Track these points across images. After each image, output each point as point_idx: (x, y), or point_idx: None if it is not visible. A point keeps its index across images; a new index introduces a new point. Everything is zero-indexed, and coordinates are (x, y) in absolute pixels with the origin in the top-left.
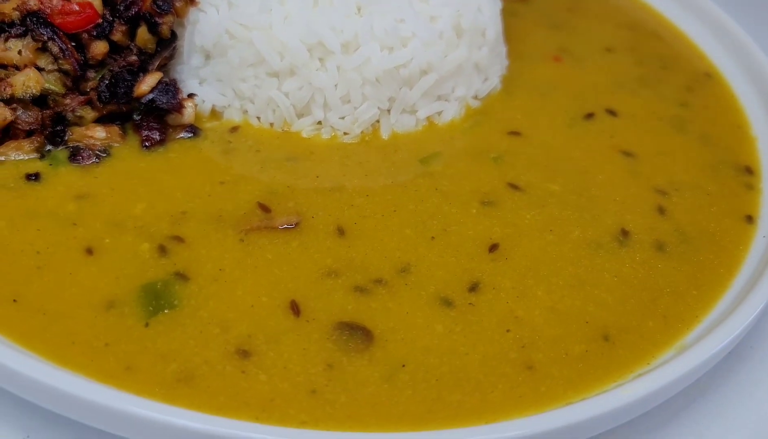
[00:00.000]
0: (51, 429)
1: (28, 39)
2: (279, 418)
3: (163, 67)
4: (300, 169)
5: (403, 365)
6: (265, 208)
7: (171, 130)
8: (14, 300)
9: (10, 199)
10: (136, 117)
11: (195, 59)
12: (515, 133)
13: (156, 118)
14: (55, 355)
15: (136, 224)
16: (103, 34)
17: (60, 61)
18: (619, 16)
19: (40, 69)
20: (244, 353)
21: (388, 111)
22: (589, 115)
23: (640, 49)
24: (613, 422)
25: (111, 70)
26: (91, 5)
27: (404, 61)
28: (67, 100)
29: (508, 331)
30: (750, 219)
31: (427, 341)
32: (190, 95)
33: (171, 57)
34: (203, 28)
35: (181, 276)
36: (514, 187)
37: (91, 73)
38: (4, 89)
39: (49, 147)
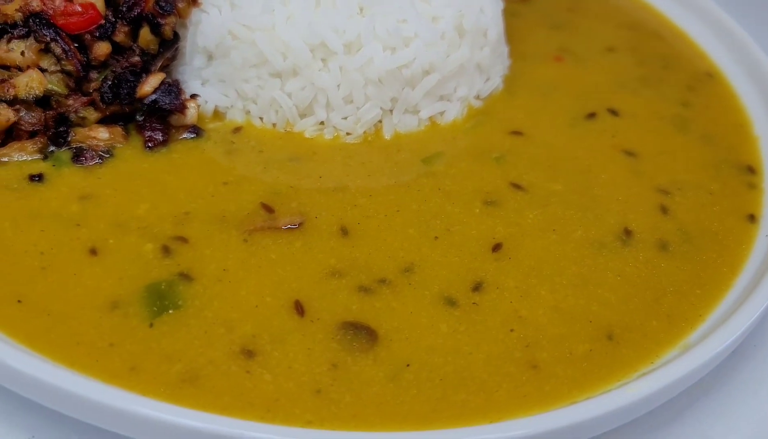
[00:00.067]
0: (56, 429)
1: (31, 40)
2: (284, 418)
3: (165, 68)
4: (303, 169)
5: (408, 365)
6: (268, 209)
7: (174, 130)
8: (18, 301)
9: (14, 200)
10: (138, 118)
11: (197, 60)
12: (517, 133)
13: (159, 119)
14: (59, 355)
15: (140, 224)
16: (105, 35)
17: (63, 62)
18: (620, 16)
19: (42, 70)
20: (248, 353)
21: (391, 111)
22: (591, 115)
23: (642, 48)
24: (618, 421)
25: (114, 71)
26: (93, 6)
27: (406, 62)
28: (70, 101)
29: (512, 330)
30: (752, 218)
31: (431, 340)
32: (193, 96)
33: (173, 58)
34: (206, 29)
35: (185, 276)
36: (516, 186)
37: (93, 74)
38: (8, 90)
39: (52, 148)
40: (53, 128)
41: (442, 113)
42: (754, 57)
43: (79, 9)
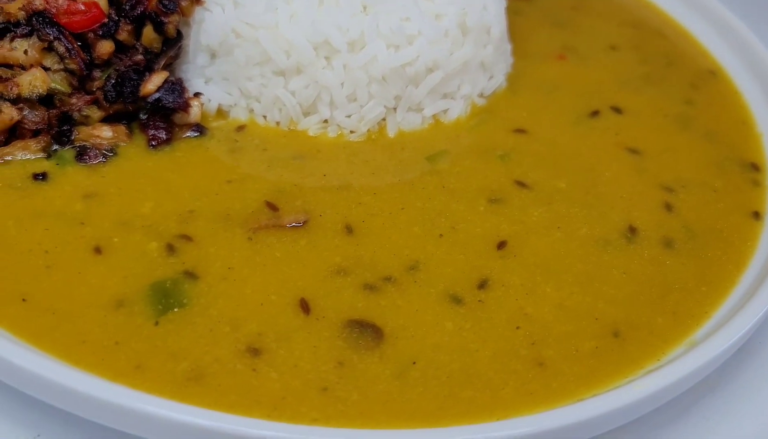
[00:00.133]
0: (61, 427)
1: (34, 39)
2: (290, 416)
3: (168, 67)
4: (307, 167)
5: (414, 363)
6: (272, 207)
7: (177, 129)
8: (23, 299)
9: (17, 198)
10: (142, 116)
11: (201, 58)
12: (521, 131)
13: (162, 118)
14: (65, 354)
15: (144, 223)
16: (108, 33)
17: (66, 61)
18: (623, 14)
19: (46, 69)
20: (254, 351)
21: (394, 109)
22: (595, 113)
23: (645, 47)
24: (625, 418)
25: (117, 70)
26: (96, 5)
27: (410, 60)
28: (74, 100)
29: (518, 328)
30: (757, 215)
31: (437, 338)
32: (197, 94)
33: (176, 56)
34: (209, 27)
35: (190, 275)
36: (521, 184)
37: (97, 73)
38: (11, 89)
39: (55, 147)
40: (56, 127)
41: (445, 111)
42: (757, 54)
43: (82, 7)
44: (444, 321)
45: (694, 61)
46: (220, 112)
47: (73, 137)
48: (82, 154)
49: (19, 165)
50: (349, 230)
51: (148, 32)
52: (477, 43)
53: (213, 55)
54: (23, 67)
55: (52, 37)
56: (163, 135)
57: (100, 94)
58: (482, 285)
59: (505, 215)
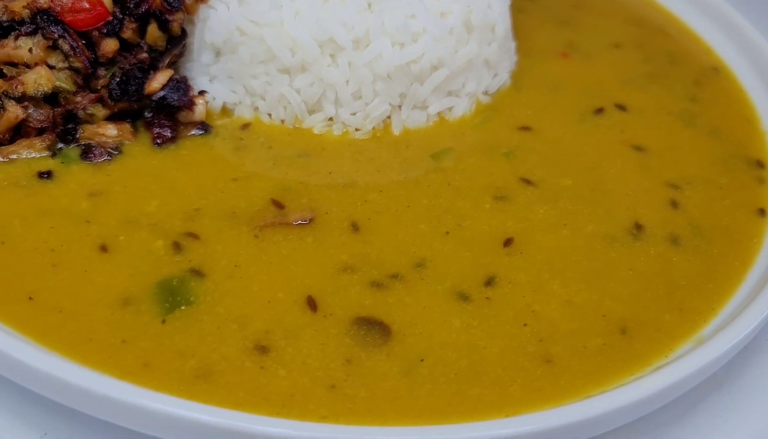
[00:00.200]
0: (68, 426)
1: (39, 37)
2: (299, 413)
3: (173, 65)
4: (312, 165)
5: (422, 360)
6: (278, 205)
7: (182, 127)
8: (30, 298)
9: (23, 197)
10: (147, 114)
11: (205, 56)
12: (526, 129)
13: (167, 116)
14: (72, 352)
15: (150, 221)
16: (113, 31)
17: (71, 59)
18: (625, 12)
19: (50, 67)
20: (262, 349)
21: (399, 107)
22: (599, 111)
23: (647, 44)
24: (633, 416)
25: (122, 68)
26: (101, 3)
27: (415, 57)
28: (78, 98)
29: (525, 325)
30: (762, 212)
31: (444, 335)
32: (201, 92)
33: (181, 54)
34: (213, 25)
35: (197, 273)
36: (526, 182)
37: (101, 71)
38: (16, 87)
39: (60, 145)
40: (61, 125)
41: (450, 109)
42: (761, 52)
43: (87, 5)
44: (451, 318)
45: (698, 59)
46: (225, 111)
47: (78, 136)
48: (87, 153)
49: (24, 163)
50: (355, 227)
51: (153, 30)
52: (482, 41)
53: (218, 53)
54: (28, 66)
55: (56, 36)
56: (168, 133)
57: (104, 93)
58: (489, 282)
59: (511, 213)
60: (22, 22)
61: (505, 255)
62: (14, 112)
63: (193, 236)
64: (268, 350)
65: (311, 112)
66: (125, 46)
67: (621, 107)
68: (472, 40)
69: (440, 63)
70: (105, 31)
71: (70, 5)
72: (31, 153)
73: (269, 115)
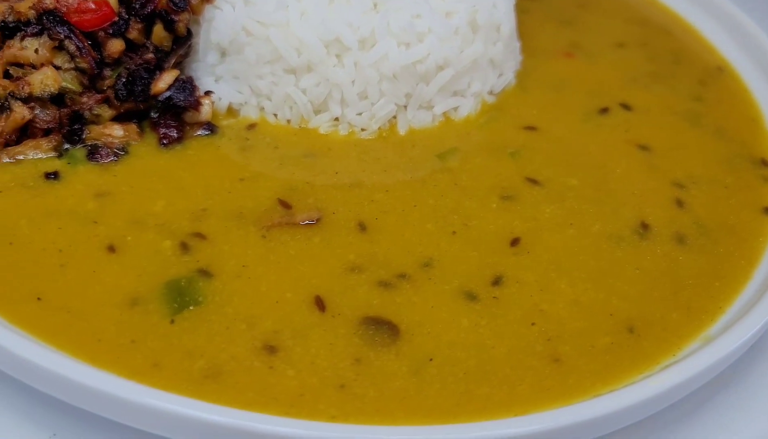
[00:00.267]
0: (77, 426)
1: (45, 38)
2: (308, 413)
3: (178, 65)
4: (318, 165)
5: (431, 359)
6: (285, 205)
7: (188, 127)
8: (38, 298)
9: (30, 198)
10: (153, 115)
11: (211, 56)
12: (531, 128)
13: (173, 116)
14: (80, 353)
15: (157, 221)
16: (119, 32)
17: (77, 60)
18: (629, 12)
19: (56, 67)
20: (271, 349)
21: (405, 107)
22: (604, 110)
23: (651, 44)
24: (642, 414)
25: (127, 69)
26: (107, 3)
27: (421, 57)
28: (84, 99)
29: (533, 324)
30: None
31: (453, 334)
32: (207, 93)
33: (186, 55)
34: (219, 26)
35: (205, 273)
36: (532, 181)
37: (107, 72)
38: (23, 88)
39: (66, 146)
40: (68, 126)
41: (455, 109)
42: (765, 51)
43: (93, 6)
44: (459, 318)
45: (702, 58)
46: (231, 111)
47: (84, 136)
48: (93, 153)
49: (31, 164)
50: (362, 227)
51: (159, 31)
52: (487, 41)
53: (223, 54)
54: (34, 66)
55: (62, 36)
56: (174, 133)
57: (111, 93)
58: (496, 282)
59: (518, 212)
60: (28, 23)
61: (512, 255)
62: (21, 112)
63: (201, 236)
64: (277, 349)
65: (317, 112)
66: (131, 47)
67: (626, 107)
68: (478, 40)
69: (446, 63)
70: (111, 31)
71: (75, 6)
72: (37, 154)
73: (275, 115)
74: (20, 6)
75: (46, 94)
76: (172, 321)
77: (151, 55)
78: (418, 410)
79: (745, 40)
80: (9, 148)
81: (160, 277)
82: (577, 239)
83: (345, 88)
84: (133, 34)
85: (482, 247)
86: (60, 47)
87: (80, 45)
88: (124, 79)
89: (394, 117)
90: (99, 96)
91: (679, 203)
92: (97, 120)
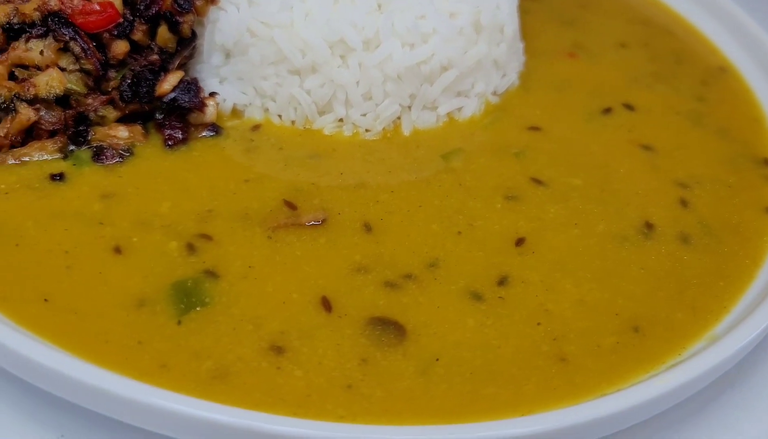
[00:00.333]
0: (85, 427)
1: (50, 39)
2: (316, 413)
3: (182, 67)
4: (323, 166)
5: (437, 359)
6: (291, 206)
7: (193, 128)
8: (45, 300)
9: (35, 199)
10: (158, 116)
11: (215, 58)
12: (535, 129)
13: (178, 117)
14: (88, 354)
15: (163, 222)
16: (123, 33)
17: (82, 61)
18: (631, 12)
19: (61, 69)
20: (278, 350)
21: (409, 107)
22: (607, 110)
23: (653, 44)
24: (648, 413)
25: (132, 70)
26: (111, 5)
27: (425, 58)
28: (89, 100)
29: (539, 324)
30: None
31: (459, 334)
32: (212, 94)
33: (191, 56)
34: (223, 27)
35: (211, 274)
36: (536, 181)
37: (112, 73)
38: (28, 89)
39: (72, 147)
40: (73, 127)
41: (459, 109)
42: (767, 50)
43: (98, 8)
44: (465, 318)
45: (704, 59)
46: (235, 112)
47: (89, 137)
48: (98, 155)
49: (36, 166)
50: (367, 227)
51: (163, 32)
52: (491, 42)
53: (228, 55)
54: (39, 68)
55: (67, 38)
56: (179, 135)
57: (115, 94)
58: (502, 282)
59: (522, 212)
60: (32, 25)
61: (517, 255)
62: (26, 114)
63: (207, 237)
64: (284, 350)
65: (321, 113)
66: (136, 48)
67: (629, 107)
68: (481, 41)
69: (450, 63)
70: (115, 33)
71: (80, 7)
72: (43, 155)
73: (279, 116)
74: (25, 8)
75: (52, 95)
76: (179, 322)
77: (155, 57)
78: (425, 410)
79: (747, 41)
80: (14, 149)
81: (166, 278)
82: (582, 239)
83: (349, 89)
84: (138, 35)
85: (487, 247)
86: (65, 49)
87: (85, 46)
88: (128, 81)
89: (399, 118)
90: (104, 97)
91: (683, 203)
92: (102, 121)
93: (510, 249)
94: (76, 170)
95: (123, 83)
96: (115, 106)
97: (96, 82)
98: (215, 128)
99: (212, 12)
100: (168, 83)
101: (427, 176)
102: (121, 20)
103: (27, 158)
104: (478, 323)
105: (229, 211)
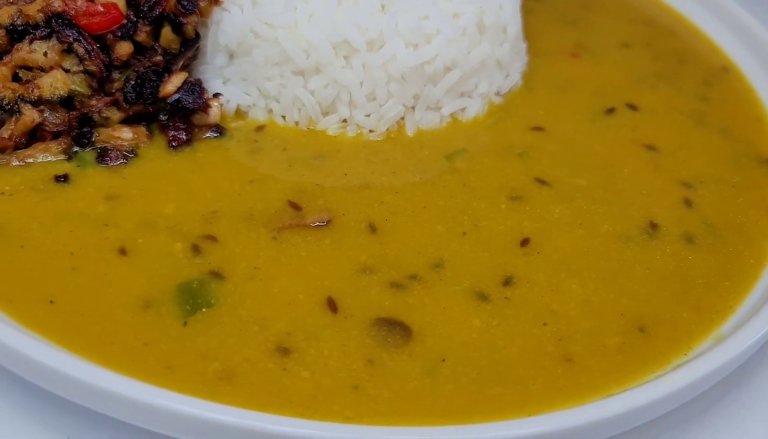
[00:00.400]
0: (91, 430)
1: (54, 41)
2: (324, 414)
3: (186, 68)
4: (327, 167)
5: (443, 360)
6: (295, 207)
7: (197, 130)
8: (51, 301)
9: (40, 201)
10: (162, 117)
11: (219, 59)
12: (538, 129)
13: (182, 119)
14: (94, 355)
15: (168, 223)
16: (127, 34)
17: (86, 63)
18: (633, 13)
19: (65, 70)
20: (284, 351)
21: (413, 108)
22: (610, 110)
23: (656, 44)
24: (655, 413)
25: (136, 71)
26: (115, 6)
27: (429, 58)
28: (93, 102)
29: (544, 324)
30: None
31: (465, 335)
32: (216, 95)
33: (194, 57)
34: (227, 28)
35: (217, 275)
36: (541, 182)
37: (116, 74)
38: (32, 91)
39: (76, 148)
40: (77, 129)
41: (463, 110)
42: None
43: (101, 9)
44: (471, 318)
45: (706, 58)
46: (239, 113)
47: (93, 139)
48: (102, 156)
49: (41, 167)
50: (372, 228)
51: (167, 33)
52: (494, 42)
53: (231, 56)
54: (43, 70)
55: (71, 39)
56: (183, 136)
57: (119, 96)
58: (507, 282)
59: (527, 213)
60: (36, 26)
61: (522, 255)
62: (30, 116)
63: (212, 238)
64: (290, 351)
65: (325, 114)
66: (139, 50)
67: (632, 107)
68: (485, 41)
69: (453, 64)
70: (119, 34)
71: (84, 9)
72: (47, 157)
73: (283, 117)
74: (29, 9)
75: (56, 97)
76: (185, 323)
77: (159, 58)
78: (432, 410)
79: (750, 40)
80: (19, 151)
81: (171, 279)
82: (587, 239)
83: (353, 90)
84: (142, 36)
85: (492, 247)
86: (69, 50)
87: (89, 48)
88: (132, 82)
89: (402, 118)
90: (108, 99)
91: (687, 203)
92: (106, 123)
93: (515, 249)
94: (81, 172)
95: (127, 85)
96: (119, 108)
97: (100, 83)
98: (219, 129)
99: (216, 13)
100: (172, 84)
101: (431, 177)
102: (125, 21)
103: (31, 160)
104: (484, 323)
105: (234, 213)
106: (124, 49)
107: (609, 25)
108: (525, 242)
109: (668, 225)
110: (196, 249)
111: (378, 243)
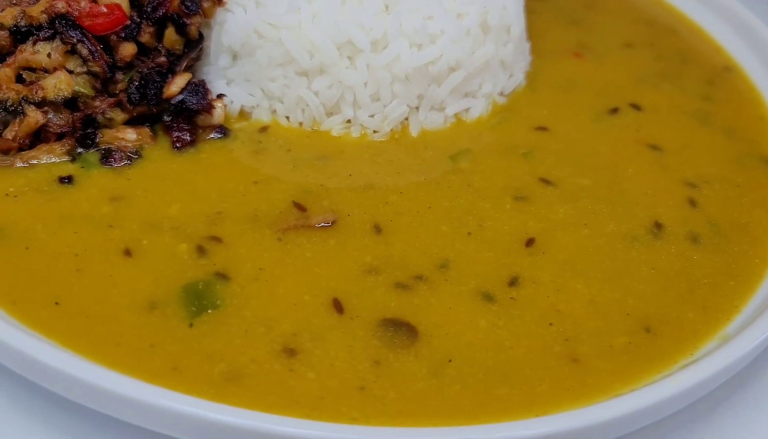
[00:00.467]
0: (97, 431)
1: (57, 42)
2: (330, 415)
3: (189, 69)
4: (332, 167)
5: (450, 360)
6: (300, 207)
7: (201, 131)
8: (56, 303)
9: (44, 202)
10: (166, 118)
11: (222, 59)
12: (542, 129)
13: (186, 119)
14: (100, 357)
15: (173, 224)
16: (131, 35)
17: (89, 64)
18: (636, 13)
19: (69, 72)
20: (290, 352)
21: (417, 108)
22: (614, 110)
23: (659, 44)
24: (662, 413)
25: (140, 72)
26: (119, 7)
27: (433, 58)
28: (97, 103)
29: (550, 324)
30: None
31: (471, 335)
32: (220, 96)
33: (198, 58)
34: (230, 28)
35: (222, 276)
36: (545, 182)
37: (119, 75)
38: (36, 92)
39: (80, 150)
40: (80, 130)
41: (467, 110)
42: None
43: (105, 10)
44: (477, 319)
45: (709, 58)
46: (243, 114)
47: (97, 140)
48: (106, 157)
49: (45, 168)
50: (377, 229)
51: (170, 34)
52: (498, 42)
53: (235, 57)
54: (46, 71)
55: (75, 40)
56: (187, 137)
57: (123, 97)
58: (513, 282)
59: (532, 213)
60: (40, 27)
61: (527, 255)
62: (34, 117)
63: (217, 239)
64: (296, 352)
65: (329, 114)
66: (143, 50)
67: (635, 107)
68: (489, 41)
69: (458, 64)
70: (123, 35)
71: (87, 10)
72: (51, 158)
73: (287, 118)
74: (32, 10)
75: (60, 98)
76: (191, 324)
77: (163, 59)
78: (439, 411)
79: (753, 40)
80: (23, 152)
81: (177, 280)
82: (592, 239)
83: (357, 90)
84: (145, 37)
85: (497, 247)
86: (72, 51)
87: (93, 49)
88: (136, 83)
89: (406, 119)
90: (112, 100)
91: (692, 203)
92: (109, 124)
93: (520, 249)
94: (85, 173)
95: (130, 85)
96: (123, 109)
97: (103, 84)
98: (223, 130)
99: (219, 13)
100: (176, 85)
101: (435, 177)
102: (129, 22)
103: (35, 161)
104: (490, 323)
105: (239, 213)
106: (127, 50)
107: (612, 25)
108: (530, 242)
109: (673, 225)
110: (201, 250)
111: (383, 244)
